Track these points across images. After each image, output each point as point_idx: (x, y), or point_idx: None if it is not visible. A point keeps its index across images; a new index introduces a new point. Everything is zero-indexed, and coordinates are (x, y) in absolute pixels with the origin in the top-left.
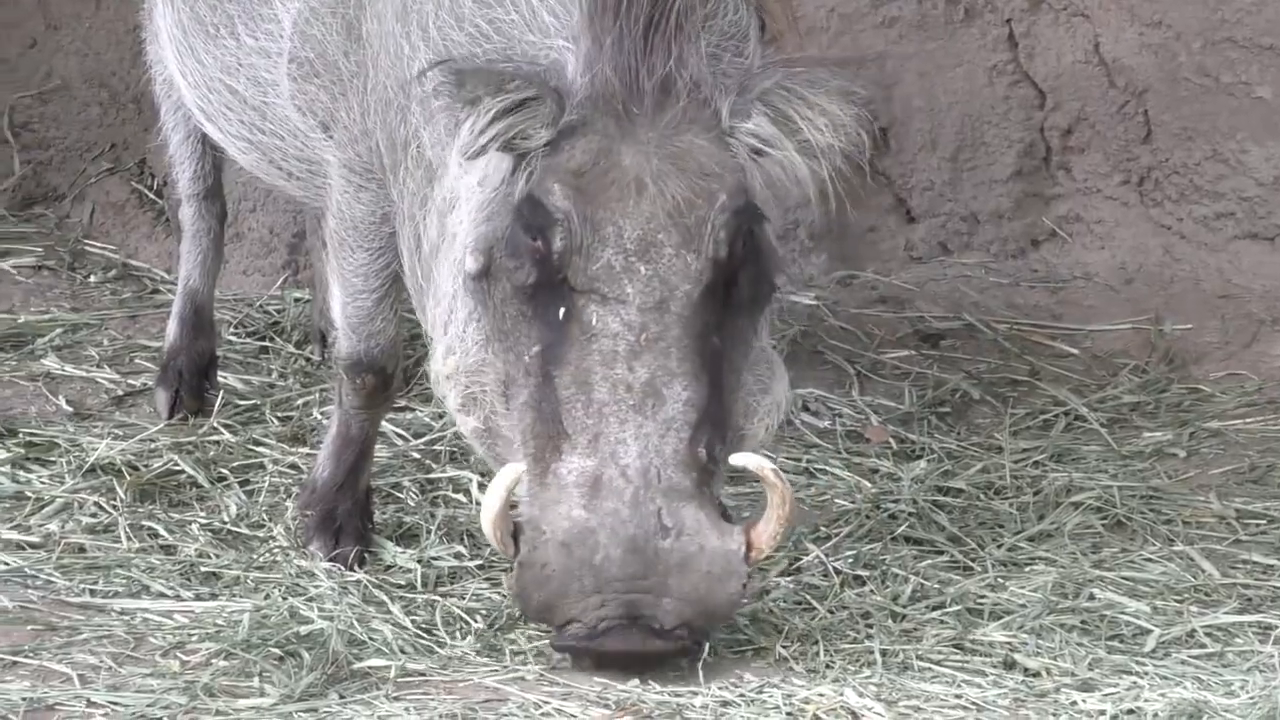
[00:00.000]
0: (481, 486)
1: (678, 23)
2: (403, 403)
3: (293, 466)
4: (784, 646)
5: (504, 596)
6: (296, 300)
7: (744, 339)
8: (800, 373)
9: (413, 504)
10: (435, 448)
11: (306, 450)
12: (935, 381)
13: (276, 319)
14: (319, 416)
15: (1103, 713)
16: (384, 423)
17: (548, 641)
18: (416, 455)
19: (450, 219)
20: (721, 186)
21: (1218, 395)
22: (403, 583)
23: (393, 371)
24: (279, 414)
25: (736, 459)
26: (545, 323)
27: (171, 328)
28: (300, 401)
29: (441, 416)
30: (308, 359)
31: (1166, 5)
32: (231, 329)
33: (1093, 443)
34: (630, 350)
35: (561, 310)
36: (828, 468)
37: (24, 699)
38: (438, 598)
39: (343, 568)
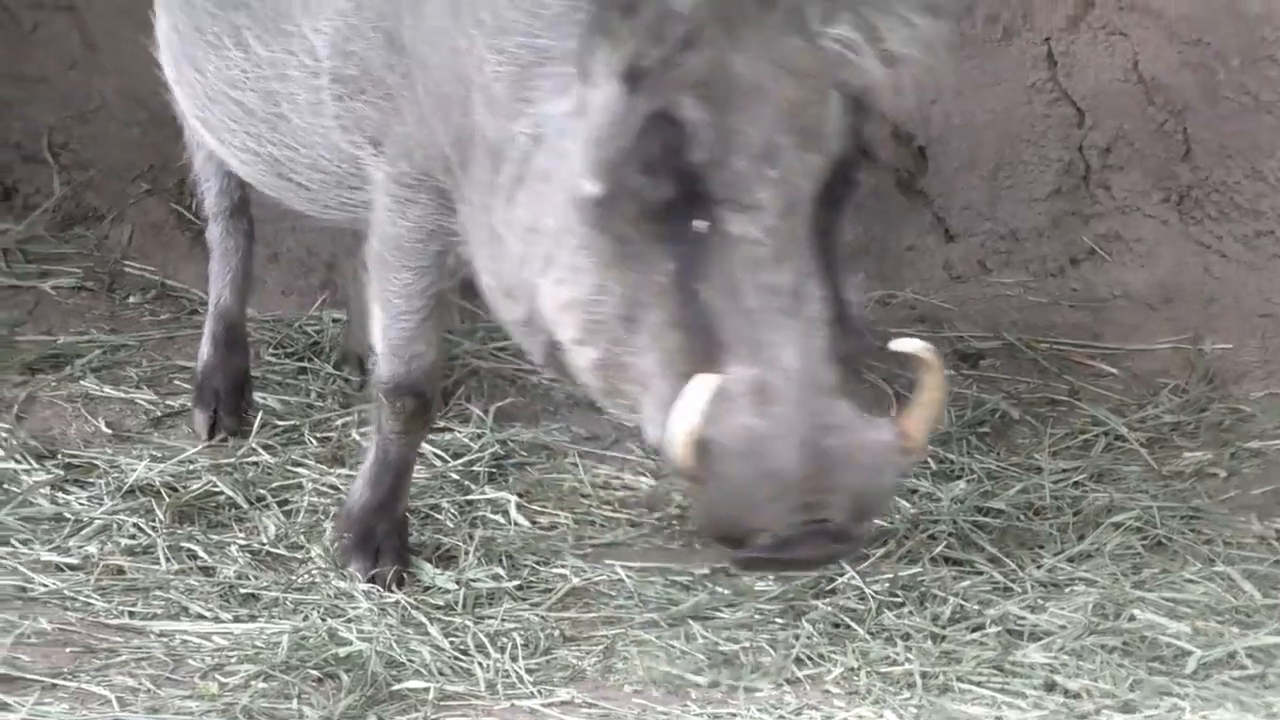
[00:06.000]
0: (520, 507)
1: None
2: (441, 423)
3: (331, 487)
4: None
5: (542, 618)
6: (335, 321)
7: (840, 234)
8: None
9: (451, 525)
10: (474, 468)
11: (345, 471)
12: (974, 401)
13: (315, 339)
14: (357, 437)
15: None
16: (422, 444)
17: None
18: (455, 476)
19: (538, 158)
20: (830, 84)
21: (1258, 415)
22: (441, 604)
23: (432, 395)
24: (318, 435)
25: (897, 344)
26: (680, 239)
27: (205, 348)
28: (339, 422)
29: (480, 436)
30: (346, 379)
31: (1205, 23)
32: (270, 350)
33: (1133, 463)
34: (773, 255)
35: (699, 224)
36: None
37: None
38: (475, 620)
39: (381, 589)
